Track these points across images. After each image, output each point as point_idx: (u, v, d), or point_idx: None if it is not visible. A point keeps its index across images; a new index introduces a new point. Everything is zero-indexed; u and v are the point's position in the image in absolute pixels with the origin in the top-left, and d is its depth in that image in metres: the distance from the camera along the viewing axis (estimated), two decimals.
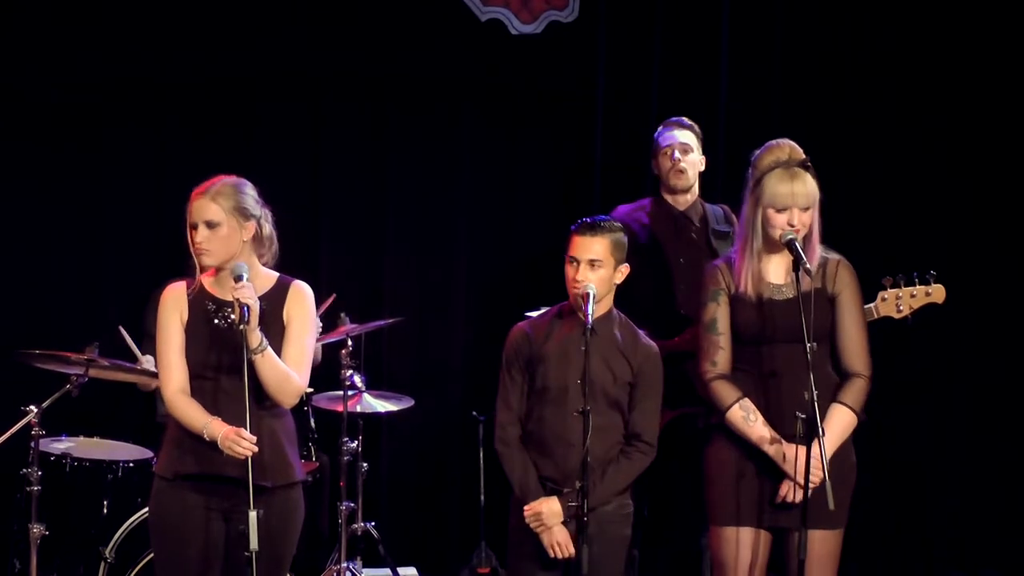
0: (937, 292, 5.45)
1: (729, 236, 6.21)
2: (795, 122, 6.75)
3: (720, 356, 4.88)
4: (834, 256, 4.92)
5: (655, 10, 7.13)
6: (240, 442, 4.50)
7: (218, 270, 4.70)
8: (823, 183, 4.87)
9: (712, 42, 7.12)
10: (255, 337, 4.53)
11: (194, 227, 4.65)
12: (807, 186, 4.79)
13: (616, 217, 6.07)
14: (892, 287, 5.41)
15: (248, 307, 4.49)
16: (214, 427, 4.55)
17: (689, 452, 5.07)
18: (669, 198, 6.26)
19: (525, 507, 4.90)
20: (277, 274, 4.78)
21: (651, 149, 6.32)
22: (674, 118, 6.32)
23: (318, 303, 5.02)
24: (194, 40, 6.80)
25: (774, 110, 7.09)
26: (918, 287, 5.43)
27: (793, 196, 4.78)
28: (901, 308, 5.44)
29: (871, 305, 5.39)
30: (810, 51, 7.19)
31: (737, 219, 6.15)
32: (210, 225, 4.62)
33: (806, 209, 4.80)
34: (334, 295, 6.24)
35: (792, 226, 4.78)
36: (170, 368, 4.66)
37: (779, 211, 4.79)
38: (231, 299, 4.58)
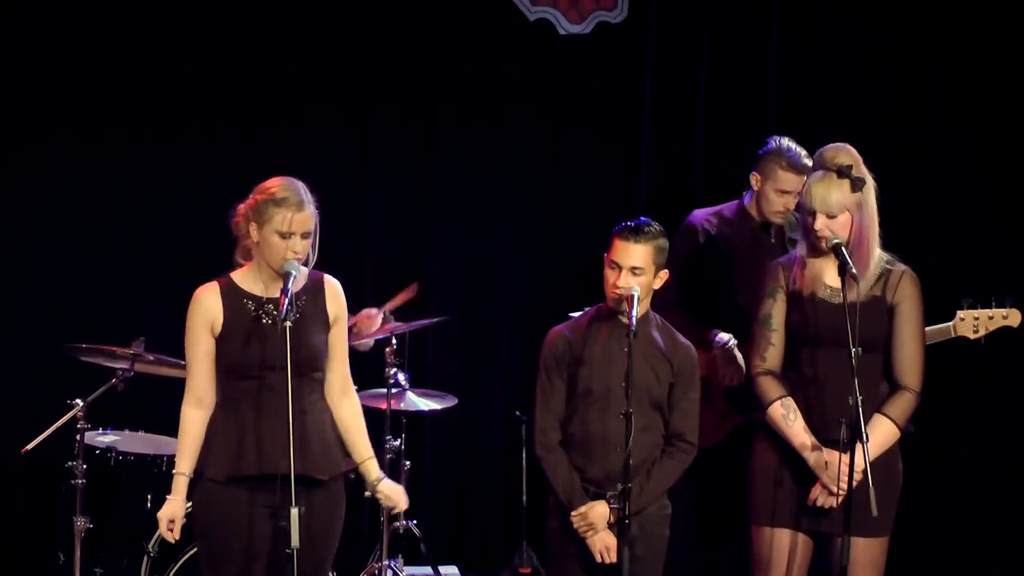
0: (1013, 316, 5.55)
1: None
2: (846, 124, 6.70)
3: (771, 352, 4.86)
4: (900, 267, 4.84)
5: (704, 11, 7.11)
6: (167, 534, 4.60)
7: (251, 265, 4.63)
8: (877, 184, 4.82)
9: (761, 44, 7.09)
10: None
11: (285, 236, 4.50)
12: (837, 194, 4.70)
13: (693, 220, 6.01)
14: (969, 308, 5.49)
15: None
16: (172, 495, 4.61)
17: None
18: (752, 210, 5.95)
19: (573, 512, 4.88)
20: (306, 268, 4.71)
21: (761, 162, 5.82)
22: (807, 160, 5.61)
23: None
24: (244, 36, 6.83)
25: (824, 112, 7.04)
26: (995, 310, 5.52)
27: (822, 202, 4.71)
28: (977, 329, 5.53)
29: (949, 324, 5.50)
30: (860, 52, 7.14)
31: None
32: (306, 235, 4.54)
33: (833, 217, 4.72)
34: (417, 283, 6.28)
35: (818, 231, 4.73)
36: (192, 376, 4.62)
37: (811, 215, 4.75)
38: (272, 295, 4.56)
